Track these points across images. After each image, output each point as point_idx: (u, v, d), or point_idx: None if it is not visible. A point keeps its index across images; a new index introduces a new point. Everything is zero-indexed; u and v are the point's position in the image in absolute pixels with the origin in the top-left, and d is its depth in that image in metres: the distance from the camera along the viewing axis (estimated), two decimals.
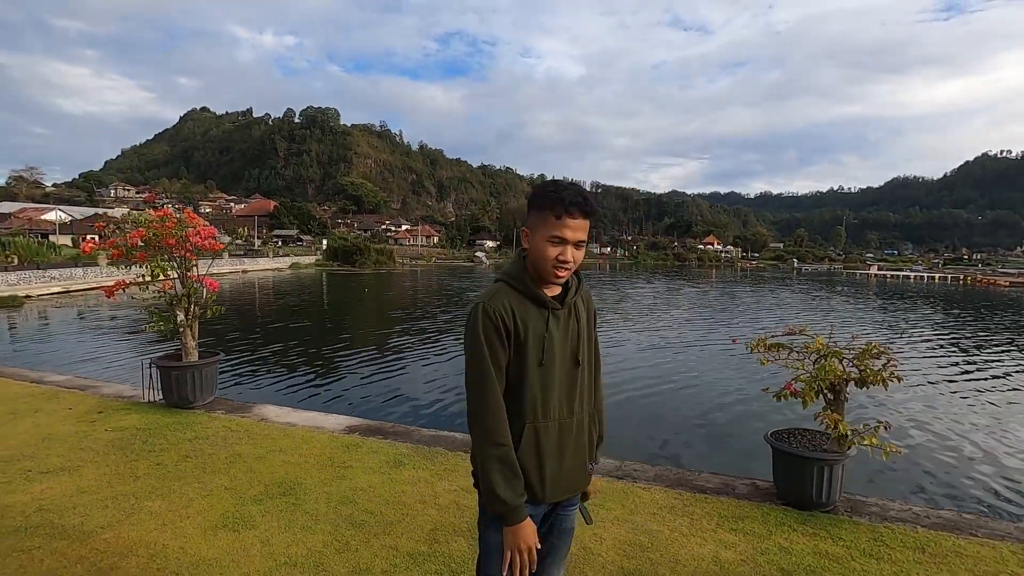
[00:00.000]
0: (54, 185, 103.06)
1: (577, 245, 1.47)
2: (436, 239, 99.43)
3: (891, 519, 3.29)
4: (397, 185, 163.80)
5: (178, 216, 5.07)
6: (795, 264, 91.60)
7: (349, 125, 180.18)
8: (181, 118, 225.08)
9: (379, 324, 17.24)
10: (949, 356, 13.35)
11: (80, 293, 24.04)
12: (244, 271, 40.10)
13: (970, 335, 17.23)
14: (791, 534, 3.10)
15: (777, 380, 3.72)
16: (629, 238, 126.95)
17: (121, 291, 5.17)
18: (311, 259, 55.93)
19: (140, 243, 4.95)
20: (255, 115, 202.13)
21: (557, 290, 1.56)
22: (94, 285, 26.13)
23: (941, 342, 15.51)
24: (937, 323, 20.31)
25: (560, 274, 1.48)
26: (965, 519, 3.37)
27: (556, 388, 1.51)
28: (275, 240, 70.74)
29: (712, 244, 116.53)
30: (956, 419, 7.83)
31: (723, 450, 6.48)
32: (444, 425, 6.06)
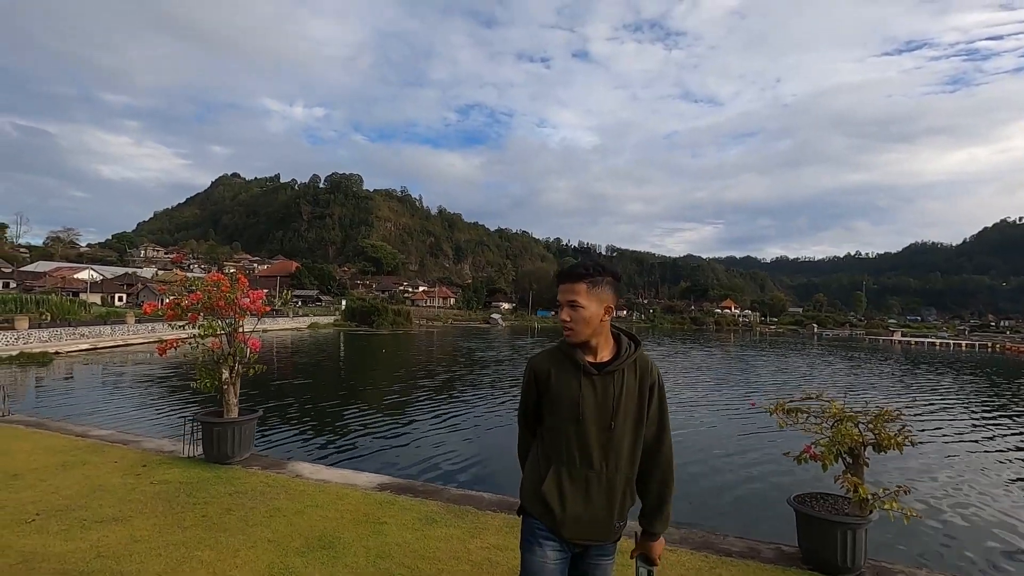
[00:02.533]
0: (88, 245, 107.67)
1: (571, 306, 1.66)
2: (453, 300, 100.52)
3: None
4: (416, 247, 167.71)
5: (230, 280, 5.48)
6: (815, 329, 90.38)
7: (371, 190, 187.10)
8: (213, 183, 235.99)
9: (398, 384, 17.40)
10: (978, 424, 13.03)
11: (107, 350, 24.67)
12: (264, 330, 40.87)
13: (1001, 404, 16.79)
14: None
15: (795, 443, 3.86)
16: (645, 301, 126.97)
17: (173, 348, 5.52)
18: (330, 319, 56.82)
19: (194, 304, 5.35)
20: (282, 180, 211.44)
21: (607, 356, 1.71)
22: (120, 342, 26.88)
23: (970, 410, 15.15)
24: (967, 391, 19.84)
25: (565, 332, 1.70)
26: None
27: (586, 444, 1.66)
28: (295, 300, 72.21)
29: (729, 308, 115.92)
30: (988, 487, 7.66)
31: (746, 512, 6.44)
32: (472, 485, 6.16)
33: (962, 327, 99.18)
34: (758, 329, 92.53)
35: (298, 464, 5.61)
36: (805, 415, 3.79)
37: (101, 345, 25.30)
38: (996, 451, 10.35)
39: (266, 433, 9.43)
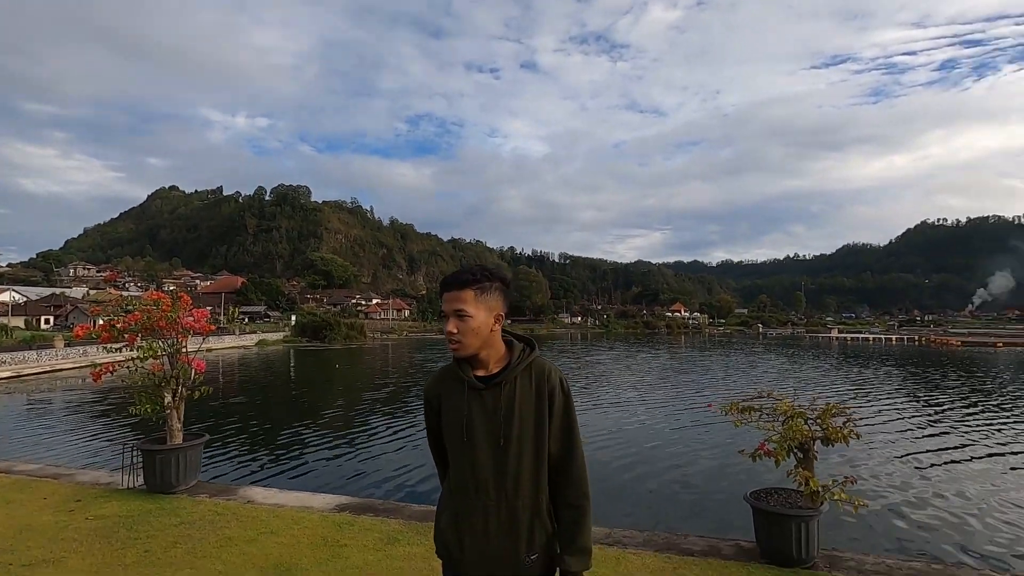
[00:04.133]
0: (9, 265, 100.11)
1: (458, 315, 1.47)
2: (407, 312, 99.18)
3: (867, 571, 3.49)
4: (368, 260, 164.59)
5: (172, 299, 5.21)
6: (760, 329, 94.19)
7: (320, 201, 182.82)
8: (149, 196, 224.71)
9: (353, 400, 16.96)
10: (915, 413, 13.88)
11: (33, 377, 22.95)
12: (209, 349, 39.03)
13: (932, 393, 17.96)
14: None
15: (750, 441, 3.99)
16: (599, 307, 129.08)
17: (109, 373, 5.18)
18: (279, 335, 54.93)
19: (132, 326, 5.04)
20: (225, 193, 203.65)
21: (497, 367, 1.54)
22: (48, 368, 25.05)
23: (908, 400, 16.12)
24: (902, 382, 21.12)
25: (451, 346, 1.50)
26: (933, 568, 3.59)
27: (479, 468, 1.48)
28: (242, 317, 69.41)
29: (679, 311, 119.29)
30: (926, 474, 8.14)
31: (706, 511, 6.61)
32: (435, 501, 6.05)
33: (892, 323, 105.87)
34: (707, 331, 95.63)
35: (250, 489, 5.36)
36: (758, 413, 3.92)
37: (26, 372, 23.50)
38: (931, 436, 11.04)
39: (214, 458, 8.98)
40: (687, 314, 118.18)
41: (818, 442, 3.71)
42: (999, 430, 11.82)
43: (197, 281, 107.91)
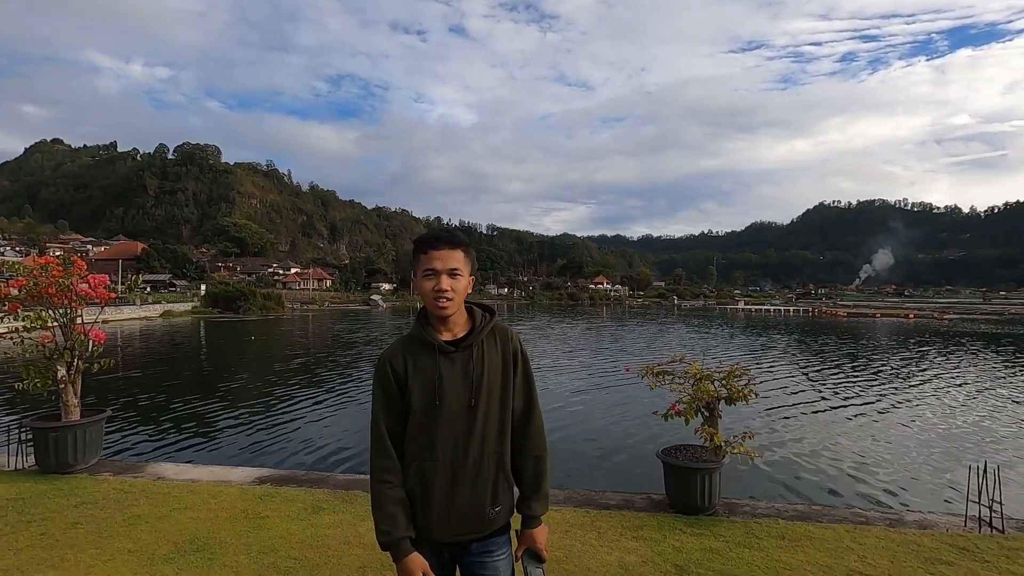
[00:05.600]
0: None
1: (451, 274, 1.52)
2: (329, 282, 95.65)
3: (759, 515, 3.90)
4: (286, 227, 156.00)
5: (64, 263, 4.73)
6: (676, 301, 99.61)
7: (231, 163, 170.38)
8: (27, 150, 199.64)
9: (271, 372, 16.30)
10: (803, 376, 15.35)
11: None
12: (105, 321, 35.83)
13: (818, 358, 19.91)
14: (682, 536, 3.58)
15: (664, 402, 4.28)
16: (525, 279, 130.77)
17: None
18: (187, 306, 51.42)
19: (16, 292, 4.55)
20: (120, 149, 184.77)
21: (462, 331, 1.59)
22: None
23: (797, 364, 17.78)
24: (794, 349, 23.21)
25: (441, 304, 1.51)
26: (814, 509, 4.07)
27: (448, 430, 1.51)
28: (143, 286, 64.06)
29: (602, 284, 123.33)
30: (811, 429, 9.10)
31: (624, 469, 7.06)
32: (361, 469, 6.01)
33: (790, 295, 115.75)
34: (627, 302, 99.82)
35: (159, 465, 5.08)
36: (671, 376, 4.21)
37: None
38: (815, 396, 12.28)
39: (119, 436, 8.38)
40: (609, 286, 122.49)
41: (722, 401, 4.05)
42: (871, 389, 13.36)
43: (89, 246, 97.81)
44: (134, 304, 43.08)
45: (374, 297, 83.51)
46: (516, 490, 1.64)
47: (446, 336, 1.57)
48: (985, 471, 3.75)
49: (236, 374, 16.27)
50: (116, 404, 10.86)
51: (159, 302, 49.63)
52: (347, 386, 13.47)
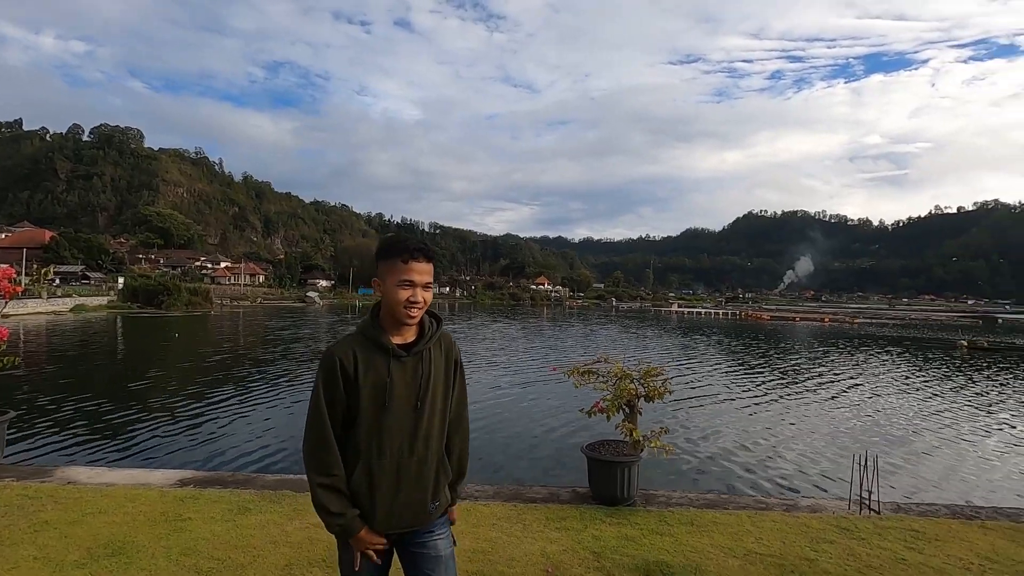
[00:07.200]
0: None
1: (426, 287, 1.63)
2: (262, 278, 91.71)
3: (672, 504, 4.21)
4: (216, 218, 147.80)
5: None
6: (614, 303, 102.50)
7: (156, 149, 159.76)
8: None
9: (196, 372, 15.55)
10: (723, 374, 16.30)
11: None
12: (5, 316, 32.83)
13: (740, 357, 21.16)
14: (601, 525, 3.81)
15: (590, 400, 4.52)
16: (467, 278, 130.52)
17: None
18: (102, 300, 47.95)
19: None
20: (27, 128, 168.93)
21: (411, 336, 1.67)
22: None
23: (719, 364, 18.84)
24: (718, 349, 24.54)
25: (412, 314, 1.60)
26: (721, 498, 4.43)
27: (395, 430, 1.59)
28: (52, 279, 59.03)
29: (543, 284, 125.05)
30: (724, 423, 9.73)
31: (550, 465, 7.31)
32: (290, 469, 5.92)
33: (720, 299, 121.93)
34: (567, 303, 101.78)
35: (70, 469, 4.82)
36: (596, 375, 4.45)
37: None
38: (732, 392, 13.10)
39: (23, 439, 7.81)
40: (551, 287, 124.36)
41: (641, 399, 4.33)
42: (780, 387, 14.40)
43: None
44: (40, 298, 39.69)
45: (310, 294, 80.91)
46: None
47: (397, 340, 1.64)
48: (866, 461, 4.22)
49: (158, 373, 15.40)
50: (21, 405, 10.07)
51: (70, 295, 45.96)
52: (276, 385, 13.09)
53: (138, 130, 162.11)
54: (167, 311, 44.55)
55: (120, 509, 3.89)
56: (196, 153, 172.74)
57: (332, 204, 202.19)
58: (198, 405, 10.67)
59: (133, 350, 21.34)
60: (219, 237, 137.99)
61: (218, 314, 45.70)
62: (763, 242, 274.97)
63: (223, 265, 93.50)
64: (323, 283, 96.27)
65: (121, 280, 55.85)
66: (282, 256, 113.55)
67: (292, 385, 13.10)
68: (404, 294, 1.59)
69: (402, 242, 1.63)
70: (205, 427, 8.95)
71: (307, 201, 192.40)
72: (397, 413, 1.60)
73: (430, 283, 1.65)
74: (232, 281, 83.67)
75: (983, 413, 11.74)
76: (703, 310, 78.07)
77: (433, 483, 1.67)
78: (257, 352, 20.63)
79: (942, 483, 7.05)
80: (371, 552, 1.61)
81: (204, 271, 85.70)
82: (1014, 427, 10.47)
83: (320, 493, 1.57)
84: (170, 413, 9.89)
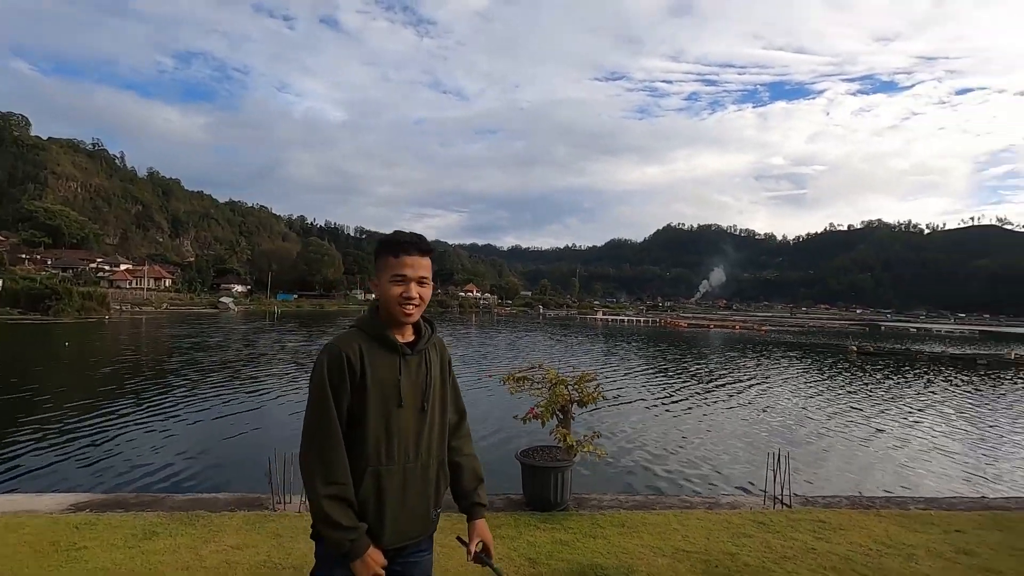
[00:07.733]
0: None
1: (420, 282, 1.55)
2: (169, 281, 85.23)
3: (604, 507, 4.30)
4: (115, 216, 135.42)
5: None
6: (541, 310, 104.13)
7: (44, 138, 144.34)
8: None
9: (89, 384, 14.12)
10: (645, 380, 16.98)
11: None
12: None
13: (659, 363, 22.14)
14: (536, 531, 3.82)
15: (524, 407, 4.54)
16: None
17: None
18: None
19: None
20: None
21: (410, 336, 1.60)
22: None
23: (641, 369, 19.61)
24: (640, 355, 25.55)
25: (408, 311, 1.53)
26: (650, 499, 4.58)
27: (402, 433, 1.51)
28: None
29: (472, 292, 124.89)
30: (651, 427, 10.11)
31: (485, 472, 7.20)
32: (202, 488, 5.47)
33: (641, 307, 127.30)
34: (496, 310, 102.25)
35: None
36: (530, 382, 4.48)
37: None
38: (656, 397, 13.67)
39: None
40: (479, 294, 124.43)
41: (575, 404, 4.40)
42: (700, 391, 15.21)
43: None
44: None
45: (224, 299, 76.03)
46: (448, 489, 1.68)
47: (399, 339, 1.57)
48: (779, 459, 4.51)
49: (44, 387, 13.82)
50: None
51: None
52: (181, 398, 12.16)
53: (23, 116, 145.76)
54: (56, 318, 40.24)
55: (0, 540, 3.44)
56: (94, 145, 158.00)
57: (250, 205, 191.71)
58: (93, 421, 9.68)
59: (14, 361, 19.05)
60: (119, 237, 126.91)
61: (116, 321, 41.89)
62: (681, 253, 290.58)
63: (123, 267, 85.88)
64: (238, 288, 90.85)
65: (0, 282, 49.87)
66: (192, 259, 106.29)
67: (197, 397, 12.23)
68: (397, 290, 1.53)
69: (395, 237, 1.58)
70: (102, 445, 8.12)
71: (222, 201, 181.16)
72: (404, 415, 1.52)
73: (426, 278, 1.57)
74: (134, 285, 77.15)
75: (873, 412, 12.97)
76: (626, 318, 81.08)
77: (435, 489, 1.59)
78: (159, 362, 19.07)
79: (842, 476, 7.69)
80: None
81: (101, 274, 78.46)
82: (898, 423, 11.65)
83: (328, 505, 1.41)
84: (59, 431, 8.90)
